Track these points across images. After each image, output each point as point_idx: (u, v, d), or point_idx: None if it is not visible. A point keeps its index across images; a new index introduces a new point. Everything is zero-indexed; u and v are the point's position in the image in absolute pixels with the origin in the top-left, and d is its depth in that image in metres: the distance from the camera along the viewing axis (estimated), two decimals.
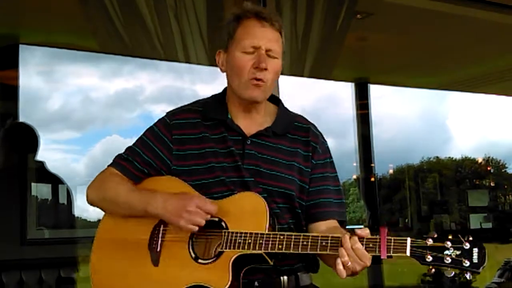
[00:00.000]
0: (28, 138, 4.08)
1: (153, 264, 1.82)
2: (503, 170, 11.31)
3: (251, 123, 1.93)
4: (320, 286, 1.97)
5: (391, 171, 9.98)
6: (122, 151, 2.00)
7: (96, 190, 1.95)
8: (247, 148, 1.88)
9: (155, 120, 2.02)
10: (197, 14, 4.04)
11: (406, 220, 8.87)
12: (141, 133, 2.00)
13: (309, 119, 2.04)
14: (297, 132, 1.95)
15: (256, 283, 1.80)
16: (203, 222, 1.76)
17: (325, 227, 1.88)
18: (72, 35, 4.75)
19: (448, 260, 1.57)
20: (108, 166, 1.98)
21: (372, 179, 7.03)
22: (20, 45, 4.64)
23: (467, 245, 1.57)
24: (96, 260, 1.93)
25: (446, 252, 1.57)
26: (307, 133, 1.96)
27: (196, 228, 1.76)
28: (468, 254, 1.56)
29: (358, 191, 7.43)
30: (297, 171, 1.90)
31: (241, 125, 1.91)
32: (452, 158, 11.03)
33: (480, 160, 11.10)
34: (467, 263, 1.55)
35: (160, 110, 1.97)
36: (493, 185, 10.54)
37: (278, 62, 1.89)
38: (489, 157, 10.98)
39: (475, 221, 8.54)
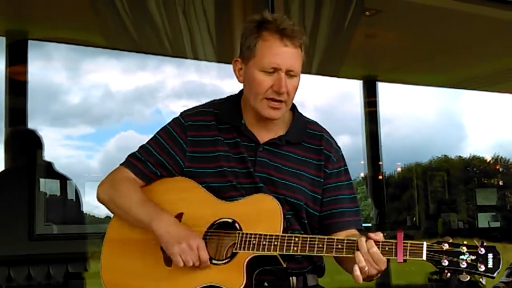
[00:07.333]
0: (31, 140, 4.09)
1: (166, 264, 1.81)
2: None
3: (264, 130, 1.90)
4: (326, 285, 1.97)
5: (399, 169, 9.95)
6: (136, 148, 1.97)
7: (107, 191, 1.92)
8: (259, 156, 1.87)
9: (171, 118, 1.98)
10: (205, 11, 4.04)
11: (414, 219, 8.84)
12: (155, 132, 1.98)
13: (318, 117, 2.03)
14: (311, 140, 1.93)
15: (265, 284, 1.80)
16: (190, 263, 1.73)
17: (344, 236, 1.84)
18: (80, 31, 4.77)
19: (463, 264, 1.59)
20: (121, 165, 1.95)
21: (380, 177, 7.01)
22: (29, 41, 4.66)
23: (482, 250, 1.60)
24: (106, 259, 1.91)
25: (462, 257, 1.60)
26: (320, 141, 1.93)
27: (181, 264, 1.73)
28: (483, 259, 1.59)
29: (366, 189, 7.42)
30: (307, 181, 1.88)
31: (254, 132, 1.89)
32: (461, 156, 10.97)
33: (488, 159, 11.04)
34: (482, 268, 1.59)
35: (179, 106, 1.96)
36: (502, 184, 10.48)
37: (297, 79, 1.84)
38: (497, 156, 10.93)
39: (483, 220, 8.50)
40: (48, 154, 4.18)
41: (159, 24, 3.92)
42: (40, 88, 5.03)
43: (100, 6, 3.92)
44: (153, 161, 1.92)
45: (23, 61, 4.60)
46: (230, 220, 1.79)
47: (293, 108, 1.95)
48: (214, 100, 2.00)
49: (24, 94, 4.54)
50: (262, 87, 1.80)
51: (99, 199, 1.94)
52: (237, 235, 1.75)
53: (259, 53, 1.81)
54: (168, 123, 1.97)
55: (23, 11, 4.48)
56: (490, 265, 1.58)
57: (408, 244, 1.63)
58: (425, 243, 1.62)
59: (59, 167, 4.25)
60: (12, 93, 4.54)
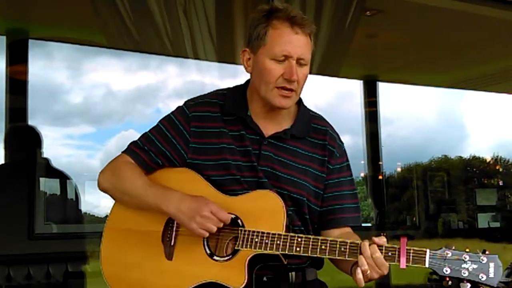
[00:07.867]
0: (30, 137, 4.10)
1: (166, 258, 1.81)
2: None
3: (270, 123, 1.88)
4: (325, 283, 1.97)
5: (399, 169, 9.95)
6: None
7: (109, 178, 1.90)
8: (264, 149, 1.85)
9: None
10: (206, 10, 4.04)
11: (414, 219, 8.83)
12: (158, 121, 1.95)
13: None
14: (315, 135, 1.91)
15: (264, 278, 1.80)
16: (214, 229, 1.73)
17: (339, 233, 1.86)
18: (81, 31, 4.77)
19: (465, 273, 1.61)
20: (122, 152, 1.93)
21: (380, 177, 7.01)
22: (30, 40, 4.66)
23: (484, 260, 1.61)
24: (106, 250, 1.90)
25: (464, 265, 1.61)
26: (325, 136, 1.92)
27: (207, 234, 1.73)
28: (485, 268, 1.60)
29: (366, 189, 7.41)
30: (311, 177, 1.87)
31: (260, 124, 1.87)
32: (461, 157, 10.94)
33: (488, 159, 11.02)
34: (483, 278, 1.60)
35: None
36: (502, 184, 10.45)
37: (307, 68, 1.83)
38: (497, 156, 10.90)
39: (483, 220, 8.49)
40: (49, 153, 4.19)
41: (160, 23, 3.92)
42: (40, 88, 5.03)
43: (101, 6, 3.92)
44: (155, 150, 1.89)
45: (24, 60, 4.60)
46: (232, 216, 1.77)
47: (299, 101, 1.94)
48: (219, 90, 1.98)
49: (24, 94, 4.54)
50: (273, 75, 1.79)
51: (100, 188, 1.92)
52: (239, 232, 1.75)
53: (270, 41, 1.80)
54: (172, 112, 1.94)
55: (24, 11, 4.48)
56: (491, 274, 1.60)
57: (411, 251, 1.64)
58: (428, 251, 1.63)
59: (59, 166, 4.26)
60: (12, 93, 4.54)
